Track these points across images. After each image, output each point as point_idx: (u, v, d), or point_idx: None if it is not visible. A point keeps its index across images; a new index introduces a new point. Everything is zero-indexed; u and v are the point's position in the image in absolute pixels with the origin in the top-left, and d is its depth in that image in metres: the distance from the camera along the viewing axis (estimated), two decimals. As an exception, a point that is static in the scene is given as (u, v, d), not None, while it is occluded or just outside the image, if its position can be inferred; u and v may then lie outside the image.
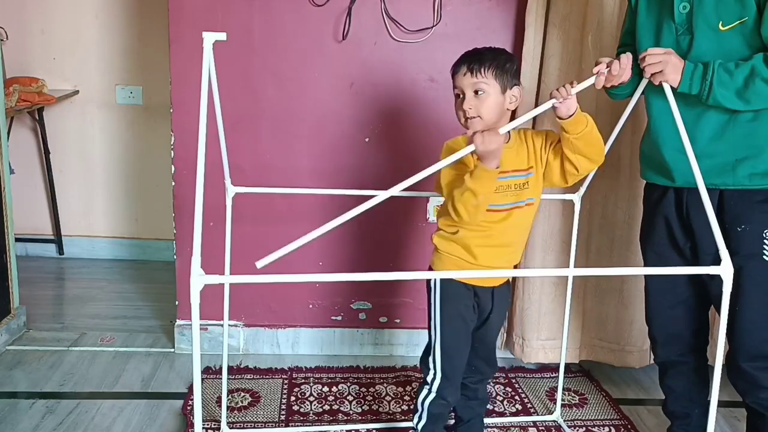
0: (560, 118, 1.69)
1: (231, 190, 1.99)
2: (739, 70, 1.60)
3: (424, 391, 1.89)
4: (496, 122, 1.70)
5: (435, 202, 2.53)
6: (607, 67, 1.71)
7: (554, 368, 2.36)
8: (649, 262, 1.95)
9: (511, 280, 1.97)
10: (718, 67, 1.61)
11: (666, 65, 1.62)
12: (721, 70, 1.61)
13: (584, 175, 1.90)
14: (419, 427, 1.91)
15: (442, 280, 1.83)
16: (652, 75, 1.65)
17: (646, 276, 2.00)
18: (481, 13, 2.47)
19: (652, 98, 1.80)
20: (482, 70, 1.68)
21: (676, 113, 1.59)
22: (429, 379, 1.87)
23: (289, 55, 2.47)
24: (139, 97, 3.58)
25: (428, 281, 1.87)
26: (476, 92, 1.68)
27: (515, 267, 1.92)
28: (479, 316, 1.87)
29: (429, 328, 1.87)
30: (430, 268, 1.89)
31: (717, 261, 1.40)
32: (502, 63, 1.70)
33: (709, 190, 1.51)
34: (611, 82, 1.75)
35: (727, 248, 1.41)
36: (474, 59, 1.69)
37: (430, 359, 1.86)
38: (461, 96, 1.71)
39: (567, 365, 2.38)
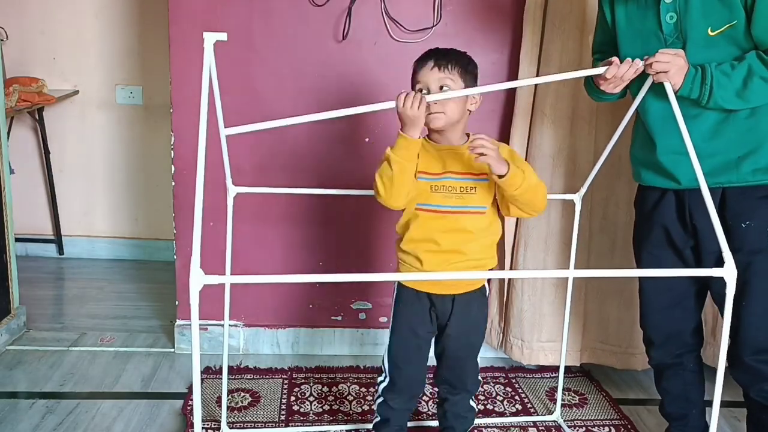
0: (497, 176, 1.63)
1: (232, 190, 1.99)
2: (736, 71, 1.61)
3: (377, 392, 1.92)
4: (457, 121, 1.71)
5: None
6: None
7: (554, 368, 2.36)
8: (642, 263, 1.95)
9: (487, 287, 1.88)
10: (715, 70, 1.62)
11: (672, 66, 1.62)
12: (719, 73, 1.61)
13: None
14: (372, 425, 1.96)
15: (398, 286, 1.83)
16: (656, 73, 1.65)
17: (640, 277, 2.00)
18: (481, 13, 2.47)
19: (648, 101, 1.79)
20: (449, 66, 1.67)
21: (678, 114, 1.58)
22: (378, 380, 1.91)
23: (289, 55, 2.47)
24: (139, 97, 3.58)
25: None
26: (441, 87, 1.67)
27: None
28: (438, 325, 1.83)
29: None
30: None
31: (721, 258, 1.40)
32: (466, 63, 1.71)
33: (711, 190, 1.51)
34: (615, 84, 1.73)
35: (732, 245, 1.41)
36: (441, 55, 1.69)
37: (383, 361, 1.89)
38: (424, 91, 1.68)
39: (567, 366, 2.38)
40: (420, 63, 1.71)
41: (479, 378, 1.97)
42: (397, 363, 1.85)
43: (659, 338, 1.95)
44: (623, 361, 2.54)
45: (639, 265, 1.97)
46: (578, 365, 2.59)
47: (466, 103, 1.71)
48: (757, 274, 1.69)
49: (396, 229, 1.83)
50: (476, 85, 1.74)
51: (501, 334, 2.61)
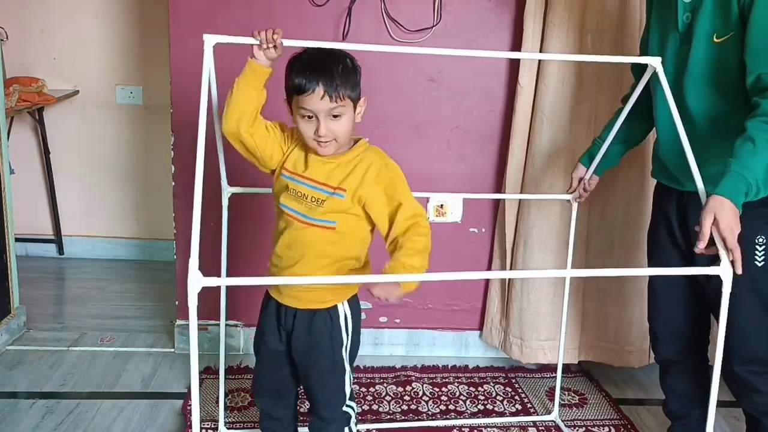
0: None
1: (227, 191, 1.99)
2: (756, 157, 1.50)
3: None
4: (349, 139, 1.58)
5: (435, 201, 2.53)
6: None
7: (554, 368, 2.36)
8: (651, 259, 1.95)
9: (342, 311, 1.68)
10: (742, 169, 1.48)
11: (732, 230, 1.46)
12: (747, 172, 1.48)
13: None
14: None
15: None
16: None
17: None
18: (481, 13, 2.48)
19: (659, 105, 1.79)
20: (339, 93, 1.49)
21: (677, 120, 1.58)
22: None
23: (289, 55, 2.46)
24: (139, 97, 3.58)
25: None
26: (334, 116, 1.51)
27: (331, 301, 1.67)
28: (285, 338, 1.68)
29: None
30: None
31: (708, 264, 1.40)
32: (353, 78, 1.53)
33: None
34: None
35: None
36: (328, 79, 1.48)
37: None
38: (310, 117, 1.51)
39: (567, 365, 2.38)
40: (303, 87, 1.49)
41: (345, 408, 1.71)
42: (256, 368, 1.78)
43: (664, 334, 1.95)
44: (620, 358, 2.55)
45: (650, 262, 1.97)
46: (576, 363, 2.59)
47: (355, 119, 1.56)
48: (742, 284, 1.66)
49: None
50: (360, 93, 1.56)
51: (502, 333, 2.61)
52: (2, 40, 3.26)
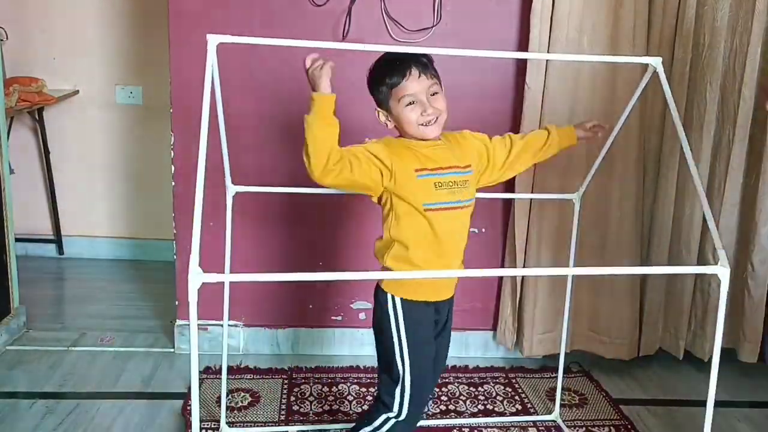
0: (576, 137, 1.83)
1: (231, 189, 1.99)
2: None
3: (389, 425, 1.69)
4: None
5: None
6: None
7: (554, 368, 2.36)
8: None
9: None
10: None
11: None
12: None
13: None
14: None
15: (404, 303, 1.65)
16: None
17: None
18: (481, 13, 2.47)
19: None
20: (431, 70, 1.61)
21: (676, 117, 1.59)
22: (395, 411, 1.68)
23: (289, 55, 2.46)
24: (139, 97, 3.58)
25: (381, 302, 1.68)
26: (433, 94, 1.61)
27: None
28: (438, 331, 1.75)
29: (390, 356, 1.68)
30: (378, 288, 1.69)
31: None
32: (434, 65, 1.64)
33: None
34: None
35: None
36: (416, 61, 1.59)
37: (397, 390, 1.67)
38: (413, 103, 1.59)
39: (567, 366, 2.38)
40: (400, 73, 1.58)
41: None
42: (419, 385, 1.68)
43: None
44: (610, 350, 2.59)
45: None
46: (569, 352, 2.60)
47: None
48: None
49: (389, 236, 1.65)
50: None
51: (514, 334, 2.63)
52: (2, 40, 3.25)
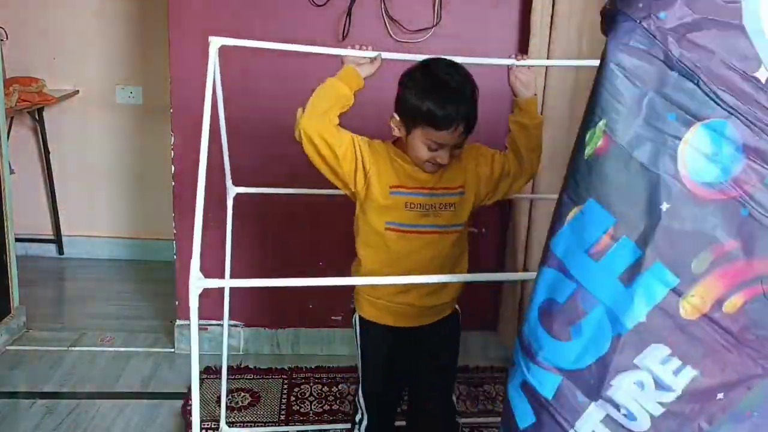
0: (518, 98, 1.65)
1: (232, 191, 1.99)
2: None
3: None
4: None
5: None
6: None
7: (554, 368, 2.36)
8: None
9: (459, 312, 1.76)
10: None
11: None
12: None
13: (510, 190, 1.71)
14: None
15: (362, 320, 1.70)
16: None
17: None
18: (481, 13, 2.47)
19: None
20: (473, 126, 1.52)
21: None
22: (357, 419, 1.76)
23: (289, 55, 2.46)
24: (139, 97, 3.58)
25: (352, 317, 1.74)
26: (455, 146, 1.53)
27: (453, 310, 1.74)
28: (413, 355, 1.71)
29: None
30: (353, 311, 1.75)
31: None
32: (477, 98, 1.54)
33: None
34: None
35: None
36: (468, 120, 1.49)
37: (359, 397, 1.75)
38: (432, 148, 1.50)
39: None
40: (446, 121, 1.47)
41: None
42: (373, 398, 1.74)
43: None
44: None
45: None
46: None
47: None
48: None
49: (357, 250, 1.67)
50: None
51: (514, 334, 2.64)
52: (2, 40, 3.25)
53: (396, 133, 1.58)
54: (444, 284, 1.62)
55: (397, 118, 1.55)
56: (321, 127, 1.50)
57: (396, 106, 1.57)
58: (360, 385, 1.75)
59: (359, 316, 1.72)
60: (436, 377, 1.75)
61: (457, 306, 1.75)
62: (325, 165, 1.54)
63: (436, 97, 1.47)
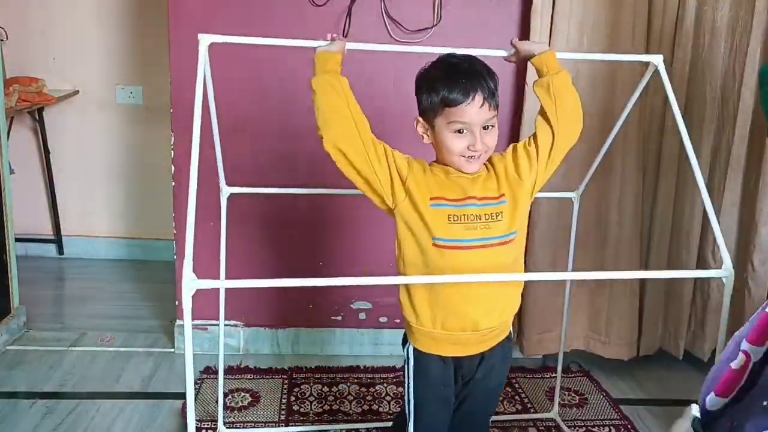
0: (533, 57, 1.51)
1: (226, 191, 1.98)
2: None
3: None
4: None
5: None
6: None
7: (554, 368, 2.36)
8: None
9: (512, 335, 1.61)
10: None
11: None
12: None
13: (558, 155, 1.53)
14: None
15: (416, 352, 1.52)
16: None
17: None
18: (481, 13, 2.47)
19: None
20: (496, 100, 1.39)
21: (678, 116, 1.58)
22: None
23: (289, 55, 2.47)
24: (139, 97, 3.58)
25: (402, 345, 1.57)
26: (486, 127, 1.40)
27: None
28: (460, 386, 1.56)
29: (404, 399, 1.59)
30: (405, 340, 1.58)
31: None
32: (497, 83, 1.42)
33: None
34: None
35: None
36: (484, 86, 1.37)
37: None
38: (461, 132, 1.39)
39: (567, 366, 2.38)
40: (462, 92, 1.37)
41: None
42: None
43: None
44: (609, 350, 2.60)
45: None
46: (568, 351, 2.61)
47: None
48: None
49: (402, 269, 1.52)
50: None
51: (514, 334, 2.64)
52: (2, 40, 3.25)
53: (426, 140, 1.48)
54: (504, 298, 1.49)
55: (421, 119, 1.47)
56: (342, 129, 1.43)
57: (418, 109, 1.49)
58: (408, 426, 1.56)
59: (413, 347, 1.53)
60: (482, 408, 1.62)
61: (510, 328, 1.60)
62: (357, 174, 1.43)
63: (447, 78, 1.40)
